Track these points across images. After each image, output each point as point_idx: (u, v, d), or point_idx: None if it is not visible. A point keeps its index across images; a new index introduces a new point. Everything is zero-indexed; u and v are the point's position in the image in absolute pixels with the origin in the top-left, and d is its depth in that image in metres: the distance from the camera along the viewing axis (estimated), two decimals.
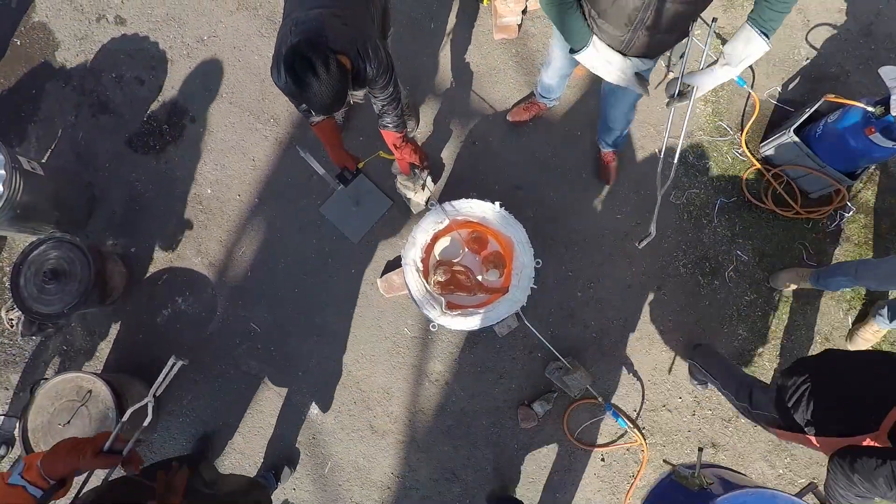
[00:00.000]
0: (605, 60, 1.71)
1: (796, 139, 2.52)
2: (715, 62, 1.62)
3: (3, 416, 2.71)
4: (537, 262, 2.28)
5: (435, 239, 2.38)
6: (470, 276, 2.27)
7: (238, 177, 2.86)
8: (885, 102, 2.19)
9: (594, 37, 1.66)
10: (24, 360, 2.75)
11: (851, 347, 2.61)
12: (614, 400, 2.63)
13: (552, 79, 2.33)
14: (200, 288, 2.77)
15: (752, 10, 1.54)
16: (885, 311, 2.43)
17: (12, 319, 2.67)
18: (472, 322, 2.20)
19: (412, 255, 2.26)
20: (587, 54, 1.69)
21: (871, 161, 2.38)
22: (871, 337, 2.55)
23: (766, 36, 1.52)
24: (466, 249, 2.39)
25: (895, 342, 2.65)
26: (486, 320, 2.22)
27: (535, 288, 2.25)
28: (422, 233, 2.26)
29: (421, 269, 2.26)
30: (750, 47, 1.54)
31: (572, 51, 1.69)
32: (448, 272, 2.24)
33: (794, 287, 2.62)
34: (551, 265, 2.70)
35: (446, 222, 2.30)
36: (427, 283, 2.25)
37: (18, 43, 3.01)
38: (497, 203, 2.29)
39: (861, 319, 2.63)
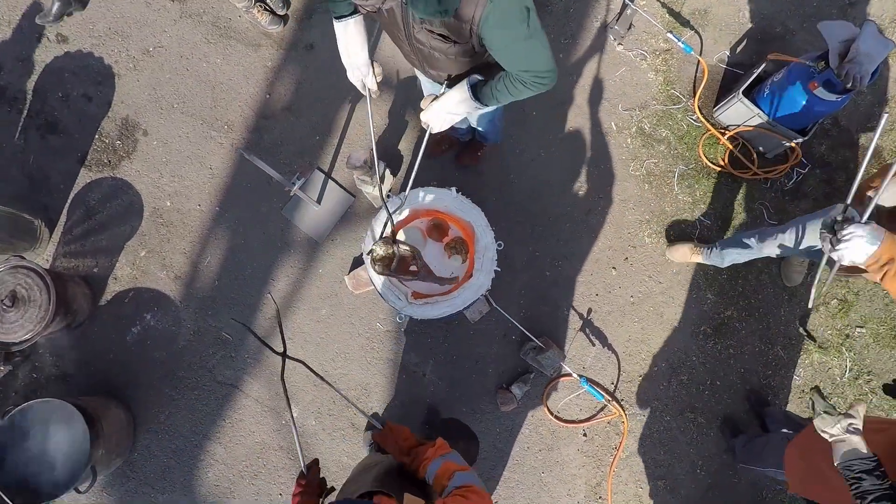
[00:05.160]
0: (345, 47, 1.69)
1: (745, 100, 2.54)
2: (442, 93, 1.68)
3: None
4: (499, 245, 2.27)
5: (395, 230, 2.36)
6: (416, 259, 1.94)
7: (197, 186, 2.82)
8: (826, 57, 2.22)
9: (355, 18, 1.63)
10: None
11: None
12: (591, 374, 2.65)
13: (484, 126, 2.28)
14: (168, 302, 2.74)
15: (483, 83, 1.59)
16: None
17: None
18: (438, 310, 2.20)
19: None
20: (338, 27, 1.65)
21: (817, 116, 2.41)
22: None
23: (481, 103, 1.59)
24: (428, 238, 2.39)
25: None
26: (453, 307, 2.21)
27: (499, 271, 2.25)
28: (379, 225, 2.25)
29: None
30: (462, 106, 1.62)
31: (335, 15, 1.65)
32: (389, 247, 1.89)
33: (689, 261, 2.66)
34: (518, 247, 2.71)
35: (406, 212, 2.29)
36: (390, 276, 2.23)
37: None
38: (453, 189, 2.28)
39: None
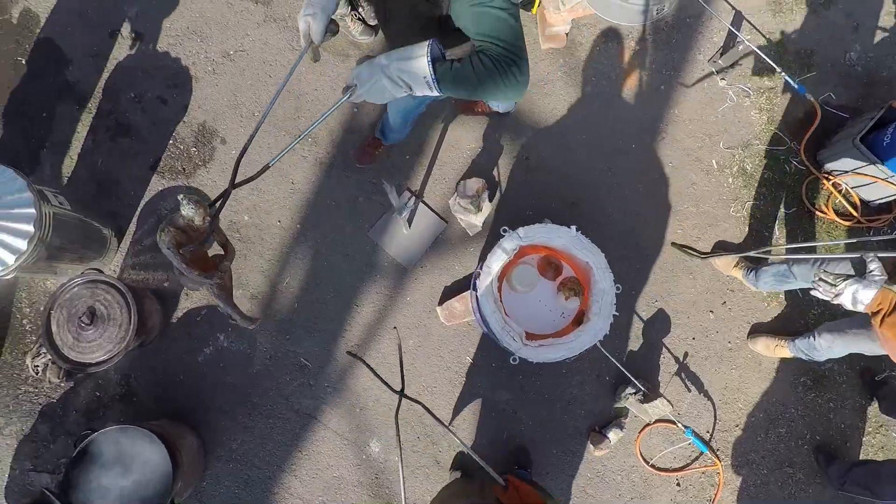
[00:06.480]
0: None
1: (862, 147, 2.47)
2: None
3: (31, 472, 2.50)
4: (617, 288, 2.17)
5: (507, 267, 2.25)
6: (226, 259, 1.58)
7: (277, 201, 2.67)
8: None
9: None
10: (52, 410, 2.52)
11: (751, 346, 2.59)
12: (685, 421, 2.56)
13: (394, 116, 2.12)
14: None
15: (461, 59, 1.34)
16: (803, 340, 2.36)
17: (38, 366, 2.45)
18: (556, 353, 2.09)
19: (487, 284, 2.13)
20: None
21: None
22: (772, 343, 2.51)
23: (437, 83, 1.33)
24: (541, 276, 2.28)
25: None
26: (570, 350, 2.11)
27: (617, 315, 2.14)
28: (497, 261, 2.13)
29: (498, 298, 2.13)
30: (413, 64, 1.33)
31: None
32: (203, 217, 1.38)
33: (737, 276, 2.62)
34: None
35: (518, 248, 2.18)
36: (498, 309, 2.12)
37: (23, 62, 2.75)
38: (573, 227, 2.17)
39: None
